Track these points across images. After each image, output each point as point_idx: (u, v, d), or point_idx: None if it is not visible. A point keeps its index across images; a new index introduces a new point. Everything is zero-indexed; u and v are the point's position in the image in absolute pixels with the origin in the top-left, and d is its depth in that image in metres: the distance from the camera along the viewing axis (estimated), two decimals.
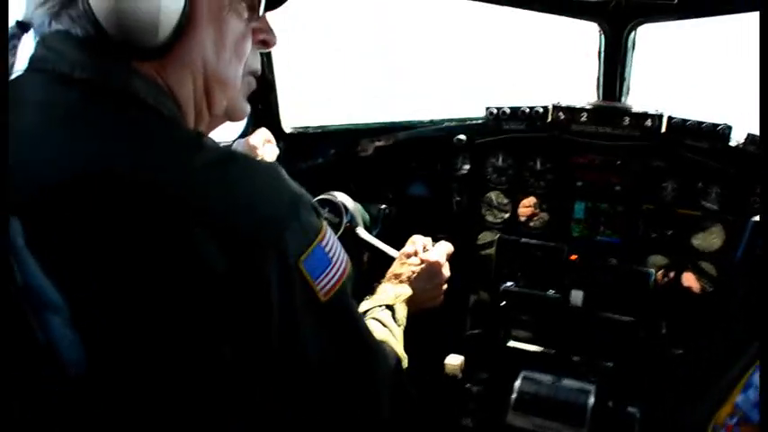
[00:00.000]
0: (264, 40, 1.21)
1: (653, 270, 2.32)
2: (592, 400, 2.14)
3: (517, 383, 2.21)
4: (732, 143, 2.42)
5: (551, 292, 2.34)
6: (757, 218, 1.99)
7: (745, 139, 2.40)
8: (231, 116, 1.24)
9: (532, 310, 2.34)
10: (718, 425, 0.78)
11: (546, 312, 2.32)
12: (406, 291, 1.73)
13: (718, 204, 2.48)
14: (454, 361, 2.22)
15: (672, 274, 2.51)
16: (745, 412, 0.75)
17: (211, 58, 1.08)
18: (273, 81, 2.64)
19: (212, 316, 0.91)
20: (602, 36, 2.51)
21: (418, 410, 1.44)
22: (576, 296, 2.28)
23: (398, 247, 2.04)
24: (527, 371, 2.27)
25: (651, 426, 2.20)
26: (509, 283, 2.40)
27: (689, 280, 2.52)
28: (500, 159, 2.74)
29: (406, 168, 2.85)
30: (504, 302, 2.36)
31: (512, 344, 2.38)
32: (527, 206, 2.73)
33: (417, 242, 1.95)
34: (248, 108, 1.25)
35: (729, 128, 2.41)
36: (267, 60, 2.54)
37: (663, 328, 2.42)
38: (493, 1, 2.55)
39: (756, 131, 2.37)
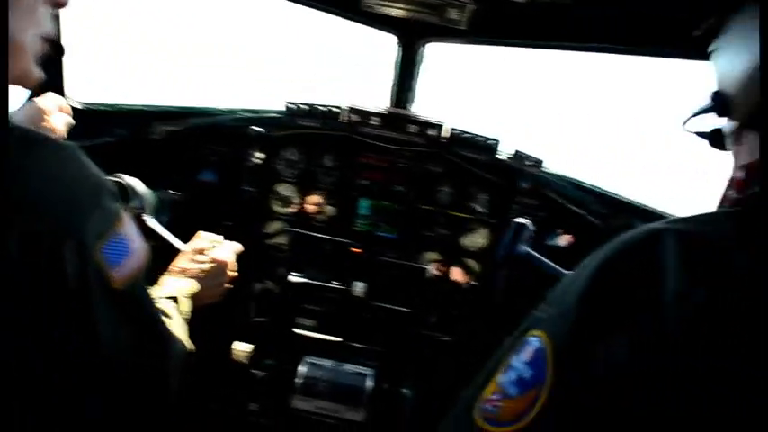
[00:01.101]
0: (57, 0, 1.12)
1: (429, 266, 2.54)
2: (370, 383, 2.31)
3: (302, 369, 2.32)
4: (500, 156, 2.75)
5: (335, 282, 2.47)
6: (518, 219, 2.27)
7: (512, 155, 2.73)
8: (23, 83, 1.13)
9: (318, 299, 2.45)
10: (484, 400, 0.92)
11: (330, 302, 2.45)
12: (192, 286, 1.72)
13: (485, 209, 2.80)
14: (241, 348, 2.26)
15: (442, 269, 2.79)
16: (504, 389, 0.88)
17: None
18: (60, 47, 2.48)
19: (11, 306, 0.89)
20: (400, 47, 2.70)
21: (207, 396, 1.47)
22: (358, 287, 2.44)
23: (185, 236, 2.03)
24: (311, 357, 2.38)
25: (421, 405, 2.43)
26: (296, 274, 2.49)
27: (457, 274, 2.80)
28: (292, 153, 2.84)
29: (198, 155, 2.83)
30: (291, 292, 2.44)
31: (297, 331, 2.47)
32: (314, 200, 2.86)
33: (206, 239, 1.94)
34: (40, 73, 1.15)
35: (497, 142, 2.72)
36: (56, 24, 2.38)
37: (434, 317, 2.67)
38: (300, 2, 2.62)
39: (522, 149, 2.72)
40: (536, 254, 2.28)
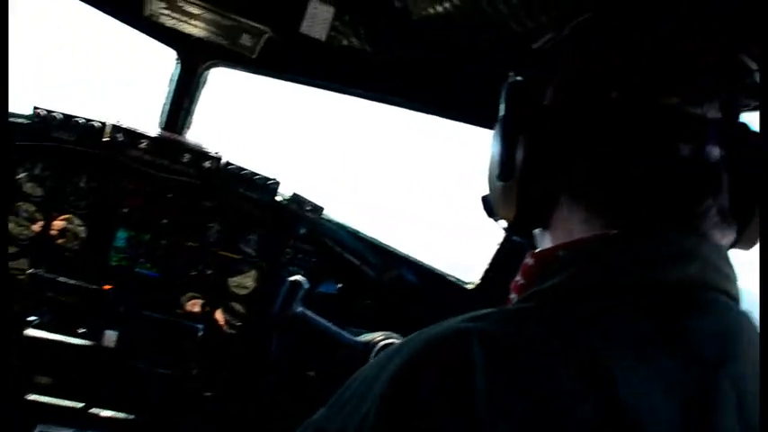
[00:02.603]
0: None
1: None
2: None
3: None
4: (278, 197, 2.59)
5: (82, 330, 2.11)
6: (293, 277, 2.12)
7: (290, 197, 2.59)
8: None
9: (59, 353, 2.07)
10: None
11: (74, 357, 2.07)
12: None
13: (256, 251, 2.62)
14: None
15: (206, 312, 2.54)
16: None
17: None
18: None
19: None
20: (179, 65, 2.43)
21: None
22: (110, 337, 2.11)
23: None
24: (44, 426, 1.96)
25: None
26: (32, 317, 2.08)
27: (221, 319, 2.58)
28: (40, 168, 2.40)
29: None
30: (23, 340, 2.03)
31: (29, 395, 2.04)
32: (62, 224, 2.45)
33: None
34: None
35: (278, 183, 2.57)
36: None
37: (194, 369, 2.40)
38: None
39: (300, 192, 2.60)
40: (312, 313, 2.16)
